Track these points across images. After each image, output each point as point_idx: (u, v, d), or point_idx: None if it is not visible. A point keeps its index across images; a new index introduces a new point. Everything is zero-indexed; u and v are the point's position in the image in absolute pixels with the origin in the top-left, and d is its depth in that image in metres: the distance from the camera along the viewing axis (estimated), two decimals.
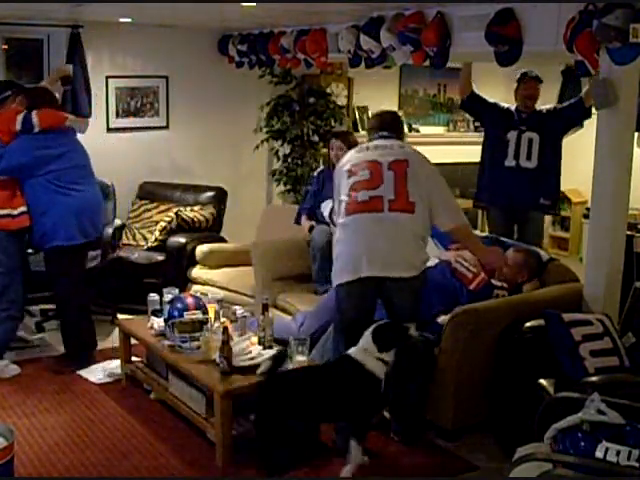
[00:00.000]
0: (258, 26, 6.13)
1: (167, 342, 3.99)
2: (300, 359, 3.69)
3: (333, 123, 7.03)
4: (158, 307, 4.29)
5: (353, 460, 3.37)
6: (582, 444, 2.47)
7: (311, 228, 5.15)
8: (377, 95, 7.69)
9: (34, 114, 4.49)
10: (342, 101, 7.24)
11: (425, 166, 3.66)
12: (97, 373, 4.60)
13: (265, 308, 3.94)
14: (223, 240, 6.13)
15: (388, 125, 3.82)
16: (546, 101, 8.34)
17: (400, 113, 7.77)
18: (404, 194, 3.53)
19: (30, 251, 5.20)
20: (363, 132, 7.49)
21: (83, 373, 4.61)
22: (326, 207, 5.22)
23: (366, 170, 3.61)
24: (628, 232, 4.32)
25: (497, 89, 8.47)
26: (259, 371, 3.45)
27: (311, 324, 4.41)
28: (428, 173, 3.63)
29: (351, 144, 5.21)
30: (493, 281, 4.20)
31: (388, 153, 3.63)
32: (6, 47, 6.04)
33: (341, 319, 3.71)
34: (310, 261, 5.06)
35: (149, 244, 5.89)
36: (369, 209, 3.55)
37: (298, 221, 5.38)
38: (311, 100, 6.92)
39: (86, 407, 4.17)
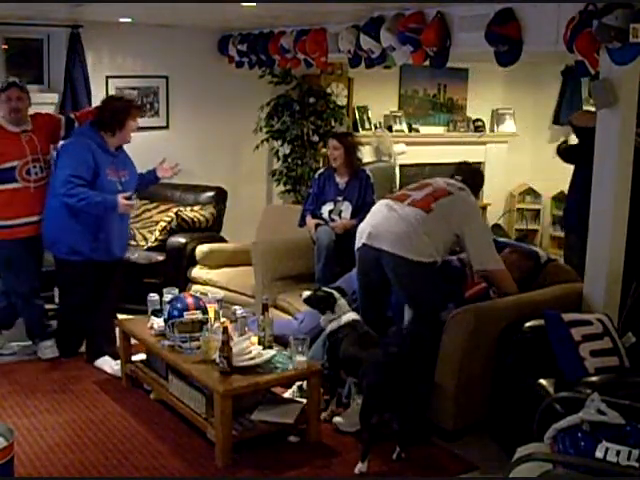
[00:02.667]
0: (258, 26, 6.12)
1: (167, 342, 4.00)
2: (300, 359, 3.70)
3: (333, 123, 7.03)
4: (158, 307, 4.30)
5: None
6: (582, 444, 2.47)
7: (317, 225, 5.14)
8: (377, 95, 7.69)
9: None
10: (342, 101, 7.24)
11: (468, 207, 3.95)
12: (106, 365, 4.66)
13: (265, 308, 3.93)
14: (223, 240, 6.13)
15: (463, 172, 4.21)
16: (546, 101, 8.40)
17: (400, 113, 7.86)
18: (429, 201, 3.87)
19: None
20: (363, 132, 7.52)
21: (99, 363, 4.68)
22: (326, 209, 5.22)
23: (418, 184, 4.13)
24: None
25: (497, 89, 8.50)
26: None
27: (311, 321, 4.42)
28: (468, 211, 3.93)
29: (348, 145, 5.19)
30: (491, 292, 4.18)
31: (444, 183, 4.03)
32: (6, 47, 6.03)
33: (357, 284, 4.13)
34: (314, 261, 5.06)
35: (149, 244, 5.89)
36: (393, 198, 4.04)
37: (302, 223, 5.34)
38: (311, 100, 6.91)
39: (86, 407, 4.17)
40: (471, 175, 4.24)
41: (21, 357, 4.85)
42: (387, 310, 4.17)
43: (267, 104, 6.95)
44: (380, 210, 3.96)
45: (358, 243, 3.97)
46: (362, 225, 4.02)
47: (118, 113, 4.53)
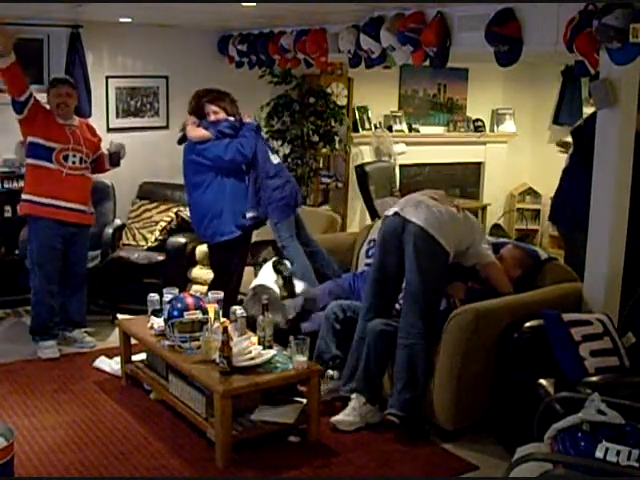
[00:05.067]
0: (258, 26, 6.12)
1: (167, 342, 4.00)
2: (300, 359, 3.70)
3: (333, 123, 7.03)
4: (158, 307, 4.30)
5: None
6: (582, 444, 2.47)
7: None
8: (377, 95, 7.69)
9: None
10: (342, 101, 7.24)
11: (478, 227, 4.32)
12: (105, 365, 4.69)
13: (265, 308, 3.94)
14: None
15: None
16: (546, 101, 8.41)
17: (400, 113, 7.86)
18: (458, 209, 4.14)
19: None
20: (363, 132, 7.52)
21: (97, 364, 4.71)
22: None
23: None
24: None
25: (497, 89, 8.50)
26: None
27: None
28: (477, 230, 4.25)
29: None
30: None
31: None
32: None
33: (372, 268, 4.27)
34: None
35: (149, 244, 5.89)
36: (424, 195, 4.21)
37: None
38: (311, 100, 6.91)
39: (86, 407, 4.17)
40: None
41: (21, 357, 4.85)
42: (395, 302, 4.17)
43: (267, 104, 6.95)
44: (411, 198, 4.15)
45: (388, 212, 4.12)
46: (395, 203, 4.22)
47: None
